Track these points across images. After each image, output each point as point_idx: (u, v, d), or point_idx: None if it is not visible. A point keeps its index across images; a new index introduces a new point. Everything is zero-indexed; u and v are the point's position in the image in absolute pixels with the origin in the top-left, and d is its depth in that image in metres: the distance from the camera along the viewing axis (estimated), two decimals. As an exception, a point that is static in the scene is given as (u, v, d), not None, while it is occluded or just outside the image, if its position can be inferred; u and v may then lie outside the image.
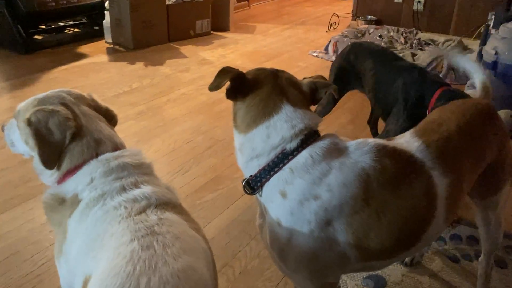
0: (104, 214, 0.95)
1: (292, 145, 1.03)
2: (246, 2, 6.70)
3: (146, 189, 1.01)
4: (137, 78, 3.72)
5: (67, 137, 1.04)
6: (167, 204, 1.00)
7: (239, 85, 1.08)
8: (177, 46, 4.65)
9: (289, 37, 5.23)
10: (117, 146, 1.11)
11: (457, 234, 1.99)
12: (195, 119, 3.06)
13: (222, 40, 4.98)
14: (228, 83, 1.06)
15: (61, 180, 1.06)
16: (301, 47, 4.78)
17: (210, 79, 1.06)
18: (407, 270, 1.78)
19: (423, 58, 3.94)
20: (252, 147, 1.06)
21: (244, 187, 1.09)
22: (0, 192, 2.18)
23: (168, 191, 1.06)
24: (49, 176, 1.08)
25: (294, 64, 4.18)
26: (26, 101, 1.13)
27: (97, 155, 1.05)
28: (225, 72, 1.06)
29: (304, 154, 1.03)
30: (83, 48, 4.40)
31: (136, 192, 0.99)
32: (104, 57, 4.21)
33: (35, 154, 1.09)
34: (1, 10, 3.98)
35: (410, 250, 1.12)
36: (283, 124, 1.04)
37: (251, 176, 1.08)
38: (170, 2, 4.68)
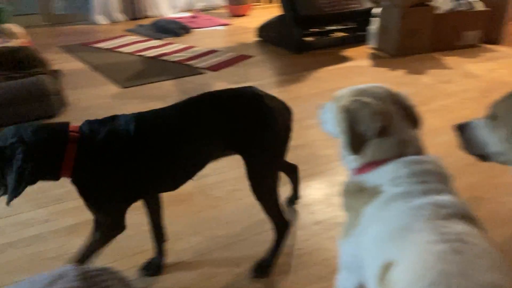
0: (409, 210, 1.02)
1: None
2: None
3: (449, 198, 1.04)
4: (397, 85, 3.74)
5: (373, 130, 1.14)
6: (467, 217, 1.01)
7: None
8: (440, 56, 4.49)
9: None
10: (420, 151, 1.17)
11: None
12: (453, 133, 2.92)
13: (492, 54, 4.59)
14: None
15: (362, 170, 1.17)
16: None
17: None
18: None
19: None
20: None
21: None
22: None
23: (465, 203, 1.07)
24: (351, 161, 1.21)
25: None
26: (345, 90, 1.26)
27: (401, 156, 1.13)
28: None
29: None
30: (347, 52, 4.65)
31: (441, 198, 1.03)
32: (366, 62, 4.37)
33: (342, 138, 1.23)
34: (286, 13, 4.54)
35: None
36: None
37: None
38: (439, 11, 4.54)
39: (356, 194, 1.16)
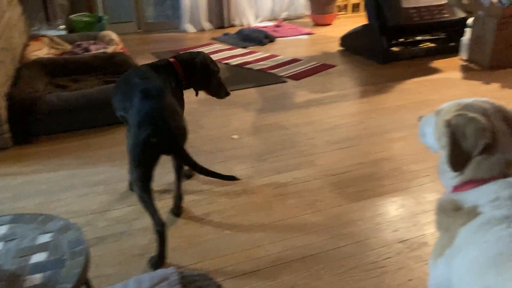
0: (509, 236, 0.95)
1: None
2: None
3: None
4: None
5: (478, 147, 1.07)
6: None
7: None
8: (542, 70, 4.16)
9: None
10: None
11: None
12: None
13: None
14: None
15: (460, 188, 1.11)
16: None
17: None
18: None
19: None
20: None
21: None
22: (355, 182, 2.46)
23: None
24: (449, 179, 1.15)
25: None
26: (450, 103, 1.21)
27: (504, 176, 1.05)
28: None
29: None
30: (436, 63, 4.44)
31: None
32: (457, 74, 4.15)
33: (442, 153, 1.17)
34: (372, 23, 4.43)
35: None
36: None
37: None
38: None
39: (452, 213, 1.10)
